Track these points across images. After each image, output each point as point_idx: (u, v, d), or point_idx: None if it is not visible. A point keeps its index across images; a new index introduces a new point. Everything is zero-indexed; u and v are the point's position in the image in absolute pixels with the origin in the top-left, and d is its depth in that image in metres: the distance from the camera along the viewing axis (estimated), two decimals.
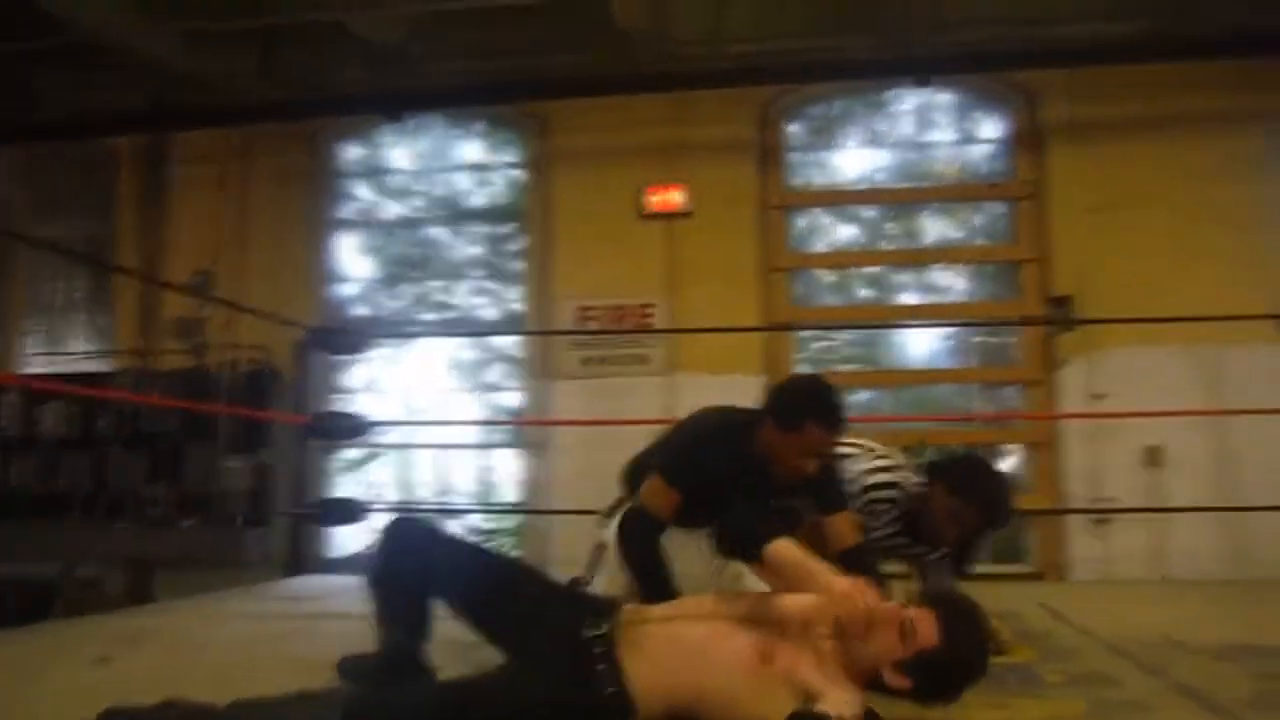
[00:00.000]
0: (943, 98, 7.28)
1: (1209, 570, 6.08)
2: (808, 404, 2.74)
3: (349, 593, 4.67)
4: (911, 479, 3.29)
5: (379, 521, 5.02)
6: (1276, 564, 6.10)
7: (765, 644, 1.93)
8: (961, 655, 1.96)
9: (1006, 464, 7.04)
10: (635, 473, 3.11)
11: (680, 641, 1.98)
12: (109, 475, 7.33)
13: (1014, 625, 3.77)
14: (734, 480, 2.75)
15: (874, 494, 3.24)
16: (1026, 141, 7.03)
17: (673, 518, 2.82)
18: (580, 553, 3.19)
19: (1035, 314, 6.77)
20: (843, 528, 2.92)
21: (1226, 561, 6.17)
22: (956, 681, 1.99)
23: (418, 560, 2.29)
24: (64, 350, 8.30)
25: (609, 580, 2.96)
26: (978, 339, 7.22)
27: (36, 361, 8.32)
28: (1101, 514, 6.42)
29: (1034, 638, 3.55)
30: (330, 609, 4.38)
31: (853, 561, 2.60)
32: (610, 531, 2.93)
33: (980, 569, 6.62)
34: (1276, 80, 6.53)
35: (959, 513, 3.01)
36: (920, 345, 7.23)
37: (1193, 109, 6.66)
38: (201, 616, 4.21)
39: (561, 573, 2.61)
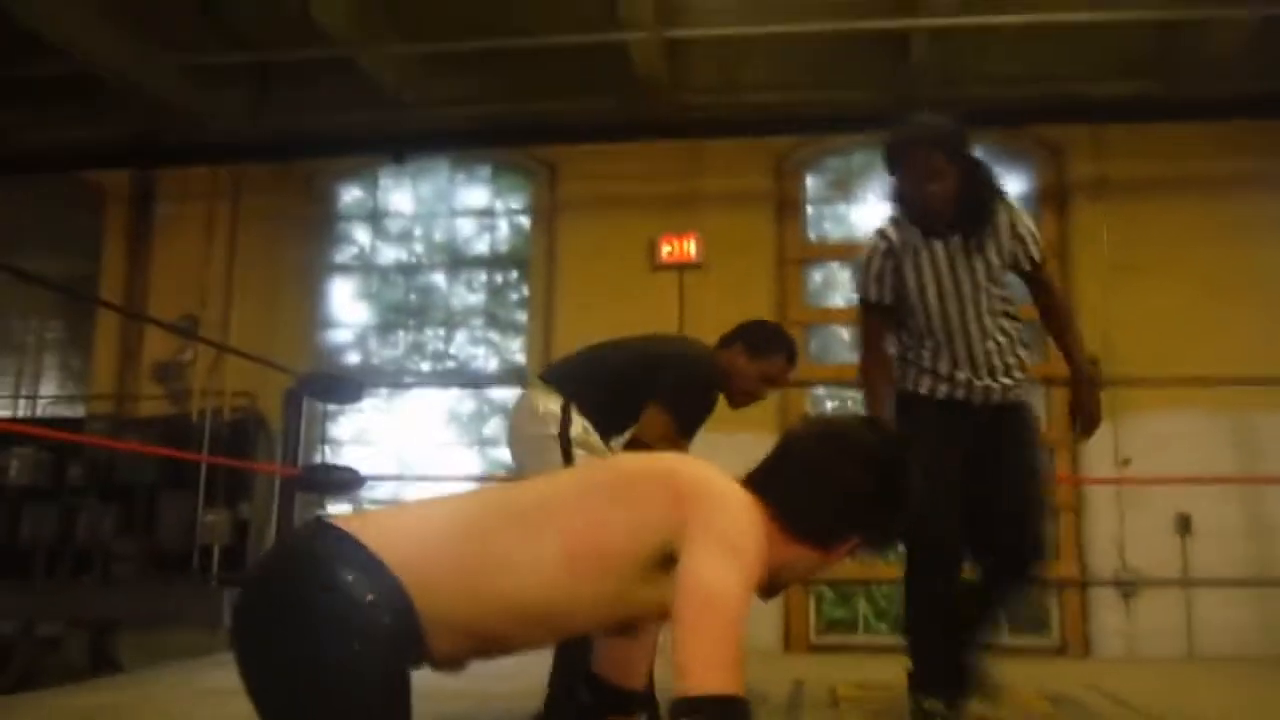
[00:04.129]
0: None
1: (1239, 646, 5.84)
2: (780, 339, 3.14)
3: None
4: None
5: None
6: None
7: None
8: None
9: None
10: (571, 378, 2.97)
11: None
12: (78, 527, 6.86)
13: (1078, 712, 3.47)
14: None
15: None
16: (1051, 199, 6.87)
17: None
18: None
19: (1060, 375, 6.53)
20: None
21: (1257, 636, 5.93)
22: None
23: None
24: (35, 393, 7.89)
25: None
26: None
27: (4, 403, 7.90)
28: (1129, 585, 6.16)
29: None
30: None
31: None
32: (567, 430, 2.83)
33: (1001, 642, 6.47)
34: None
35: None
36: None
37: (1219, 169, 6.54)
38: (170, 688, 3.80)
39: None
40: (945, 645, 2.86)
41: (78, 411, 7.61)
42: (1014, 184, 7.16)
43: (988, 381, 2.91)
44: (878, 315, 3.02)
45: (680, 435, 2.90)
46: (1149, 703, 3.68)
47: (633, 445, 2.87)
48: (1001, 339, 2.94)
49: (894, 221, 3.00)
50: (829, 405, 7.14)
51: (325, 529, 1.46)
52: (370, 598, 1.36)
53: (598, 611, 1.51)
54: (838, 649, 6.45)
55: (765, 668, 4.49)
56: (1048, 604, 6.57)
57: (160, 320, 6.91)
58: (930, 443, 2.71)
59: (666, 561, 1.43)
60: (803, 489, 1.56)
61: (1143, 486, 6.07)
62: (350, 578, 1.36)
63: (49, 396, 8.05)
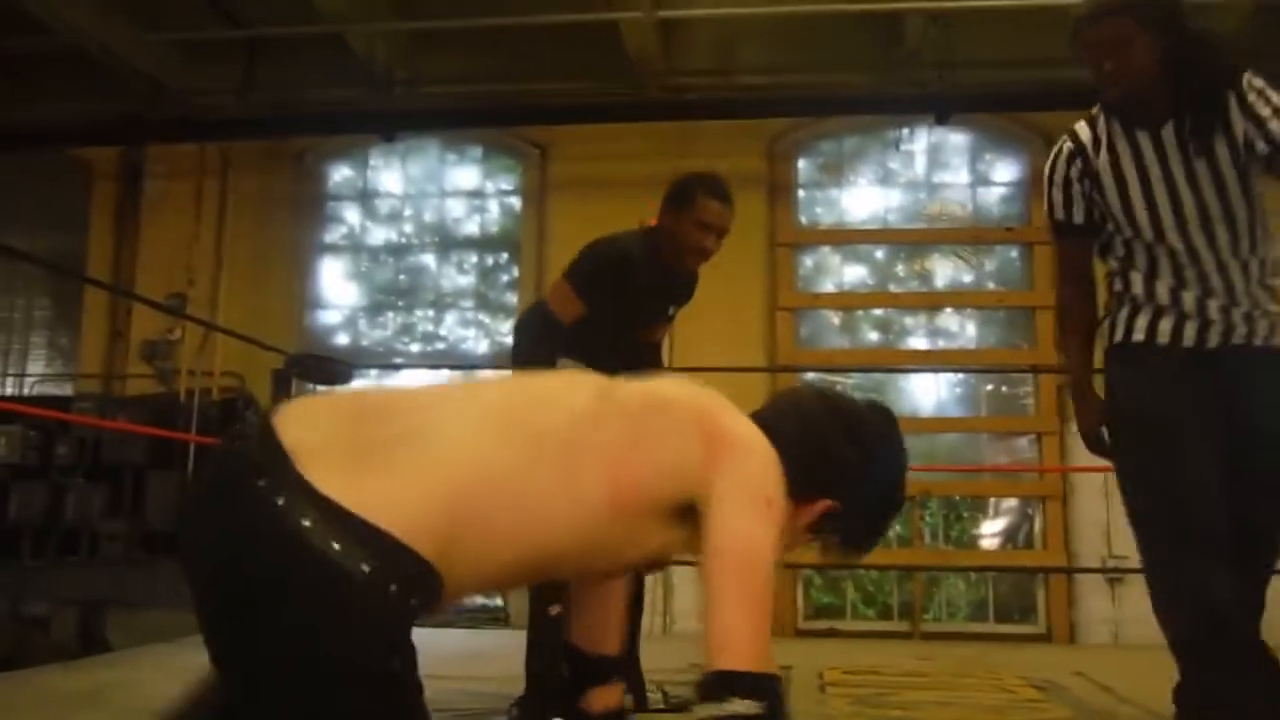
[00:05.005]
0: (957, 138, 7.11)
1: None
2: (695, 181, 2.97)
3: None
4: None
5: None
6: None
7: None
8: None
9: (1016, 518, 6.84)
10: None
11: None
12: (65, 506, 6.83)
13: (1066, 698, 3.48)
14: (634, 296, 2.92)
15: None
16: (1043, 185, 6.83)
17: (572, 325, 2.87)
18: None
19: (1049, 362, 6.55)
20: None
21: None
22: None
23: None
24: (22, 371, 7.84)
25: None
26: (989, 387, 6.98)
27: None
28: (1115, 573, 6.18)
29: (1092, 716, 3.25)
30: None
31: None
32: None
33: (987, 629, 6.51)
34: None
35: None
36: (928, 392, 6.99)
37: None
38: (159, 668, 3.79)
39: None
40: None
41: (65, 390, 7.56)
42: (1007, 170, 7.16)
43: (1247, 308, 2.17)
44: (1071, 237, 2.40)
45: (622, 319, 2.93)
46: (1135, 689, 3.68)
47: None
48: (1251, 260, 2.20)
49: (1091, 118, 2.34)
50: None
51: (293, 477, 1.17)
52: (366, 568, 1.14)
53: (616, 555, 1.43)
54: (825, 634, 6.47)
55: None
56: (1034, 591, 6.60)
57: (148, 299, 6.86)
58: (1173, 429, 2.10)
59: (685, 509, 1.36)
60: (793, 434, 1.49)
61: None
62: (338, 545, 1.13)
63: (37, 375, 8.00)
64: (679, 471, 1.34)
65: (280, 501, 1.15)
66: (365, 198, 7.68)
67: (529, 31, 6.39)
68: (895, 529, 6.85)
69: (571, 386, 1.47)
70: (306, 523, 1.13)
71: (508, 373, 1.94)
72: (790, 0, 6.22)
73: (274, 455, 1.19)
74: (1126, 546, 6.14)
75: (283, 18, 6.44)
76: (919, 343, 7.08)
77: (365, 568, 1.13)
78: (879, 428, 1.59)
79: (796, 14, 6.35)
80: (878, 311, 7.14)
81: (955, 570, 6.78)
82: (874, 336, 7.13)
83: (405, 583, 1.16)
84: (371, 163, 7.65)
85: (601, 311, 2.86)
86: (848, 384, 6.99)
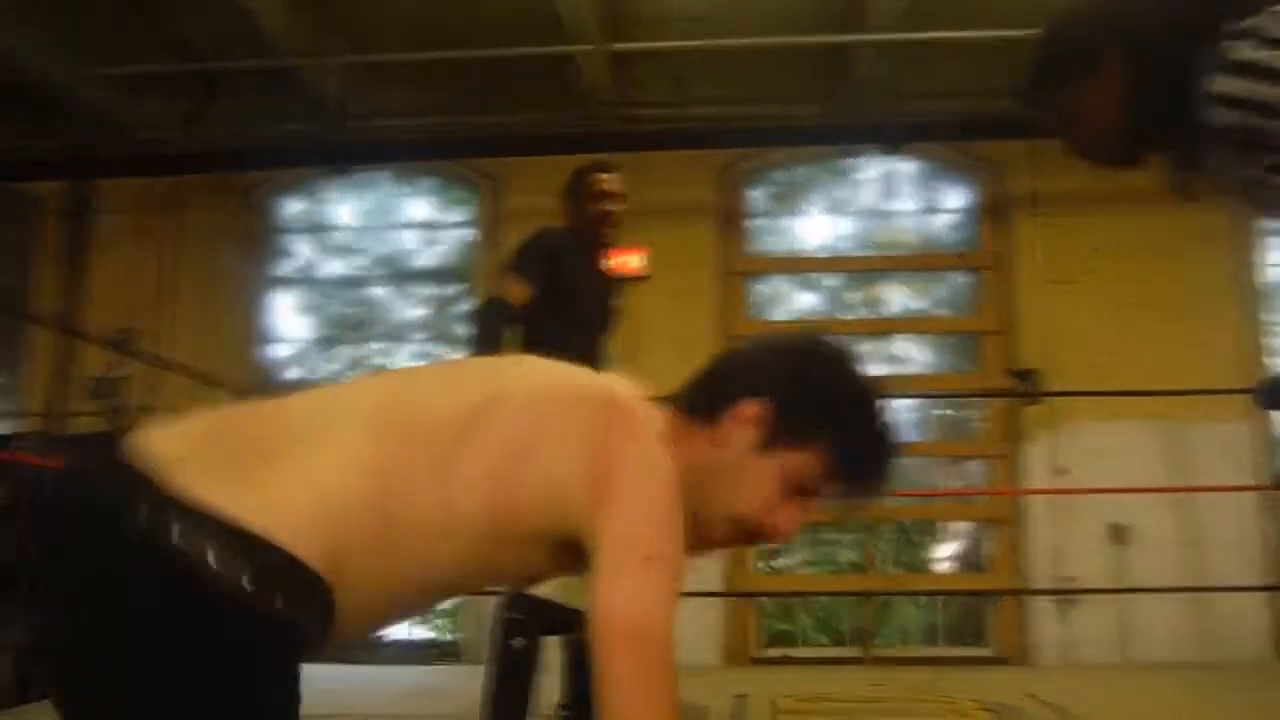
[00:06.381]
0: (906, 167, 7.22)
1: (1175, 653, 5.97)
2: (576, 170, 3.50)
3: None
4: None
5: None
6: (1241, 646, 6.01)
7: None
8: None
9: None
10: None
11: None
12: (3, 549, 6.65)
13: None
14: (572, 269, 3.24)
15: None
16: (991, 212, 6.98)
17: (523, 308, 3.12)
18: None
19: (999, 386, 6.64)
20: None
21: (1192, 643, 6.06)
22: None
23: None
24: None
25: None
26: (939, 411, 7.07)
27: None
28: (1066, 595, 6.25)
29: None
30: None
31: None
32: None
33: (939, 653, 6.55)
34: None
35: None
36: None
37: (1152, 183, 6.68)
38: None
39: None
40: None
41: (3, 429, 7.38)
42: (955, 198, 7.29)
43: None
44: None
45: (575, 304, 3.17)
46: (1088, 710, 3.73)
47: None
48: None
49: None
50: None
51: (148, 487, 1.04)
52: (247, 581, 1.01)
53: (519, 570, 1.30)
54: (779, 662, 6.47)
55: (707, 682, 4.49)
56: (986, 614, 6.66)
57: (94, 336, 6.75)
58: None
59: (565, 542, 1.21)
60: (753, 384, 1.29)
61: (1079, 496, 6.15)
62: (213, 558, 1.00)
63: None
64: (557, 505, 1.19)
65: (143, 517, 1.02)
66: (317, 230, 7.63)
67: (482, 64, 6.41)
68: (849, 554, 6.89)
69: (470, 377, 1.33)
70: (175, 537, 1.01)
71: (408, 365, 1.81)
72: (741, 33, 6.30)
73: (132, 470, 1.06)
74: (1076, 568, 6.26)
75: (234, 51, 6.41)
76: (871, 369, 7.12)
77: (246, 581, 1.01)
78: (828, 349, 1.36)
79: (748, 46, 6.44)
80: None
81: (908, 594, 6.82)
82: None
83: (293, 597, 1.04)
84: (324, 195, 7.61)
85: (550, 293, 3.10)
86: None
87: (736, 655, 6.43)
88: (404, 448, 1.15)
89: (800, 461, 1.26)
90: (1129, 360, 6.30)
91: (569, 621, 2.82)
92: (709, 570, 6.42)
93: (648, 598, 1.13)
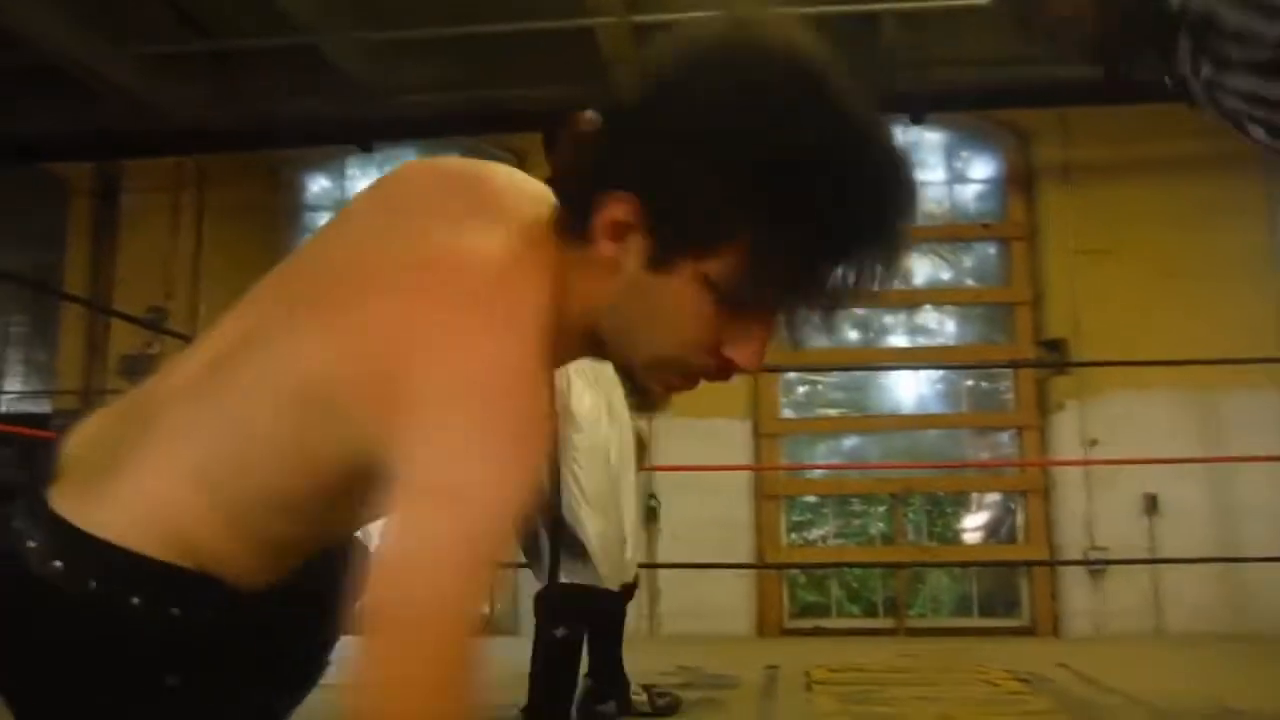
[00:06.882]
0: (933, 136, 7.15)
1: (1206, 623, 5.93)
2: (549, 125, 3.18)
3: None
4: None
5: None
6: (1274, 616, 5.97)
7: None
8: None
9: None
10: None
11: None
12: None
13: (1049, 690, 3.51)
14: None
15: None
16: (1019, 182, 6.91)
17: None
18: None
19: (1028, 357, 6.60)
20: None
21: (1225, 614, 6.03)
22: None
23: None
24: None
25: None
26: (969, 383, 7.03)
27: None
28: (1097, 565, 6.23)
29: (1075, 707, 3.28)
30: None
31: None
32: None
33: (971, 623, 6.56)
34: None
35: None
36: (909, 389, 7.03)
37: (1187, 152, 6.56)
38: None
39: None
40: None
41: (43, 407, 7.50)
42: (983, 167, 7.22)
43: None
44: None
45: None
46: (1118, 680, 3.72)
47: None
48: None
49: None
50: (800, 390, 7.17)
51: (31, 499, 0.94)
52: (93, 585, 0.89)
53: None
54: (811, 633, 6.50)
55: (739, 653, 4.52)
56: (1017, 584, 6.65)
57: (126, 313, 6.83)
58: None
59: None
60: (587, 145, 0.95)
61: (1110, 467, 6.12)
62: (60, 566, 0.89)
63: (14, 392, 7.93)
64: (353, 437, 0.87)
65: (13, 529, 0.93)
66: (342, 207, 7.65)
67: (504, 38, 6.39)
68: (879, 526, 6.90)
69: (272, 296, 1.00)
70: (31, 549, 0.91)
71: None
72: (764, 3, 6.24)
73: (32, 478, 0.97)
74: (1108, 538, 6.24)
75: (257, 29, 6.42)
76: (899, 341, 7.12)
77: (92, 585, 0.90)
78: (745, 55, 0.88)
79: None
80: (857, 310, 7.16)
81: (939, 566, 6.83)
82: (854, 335, 7.16)
83: (150, 593, 0.90)
84: (349, 173, 7.63)
85: None
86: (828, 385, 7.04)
87: (768, 626, 6.46)
88: (228, 398, 0.93)
89: (728, 264, 0.85)
90: (1159, 330, 6.24)
91: (612, 610, 2.83)
92: (740, 543, 6.45)
93: (422, 549, 0.78)
